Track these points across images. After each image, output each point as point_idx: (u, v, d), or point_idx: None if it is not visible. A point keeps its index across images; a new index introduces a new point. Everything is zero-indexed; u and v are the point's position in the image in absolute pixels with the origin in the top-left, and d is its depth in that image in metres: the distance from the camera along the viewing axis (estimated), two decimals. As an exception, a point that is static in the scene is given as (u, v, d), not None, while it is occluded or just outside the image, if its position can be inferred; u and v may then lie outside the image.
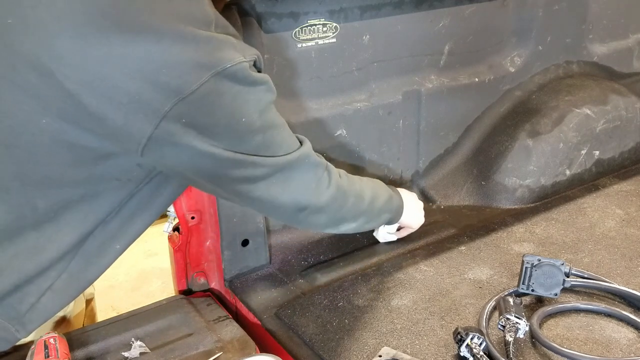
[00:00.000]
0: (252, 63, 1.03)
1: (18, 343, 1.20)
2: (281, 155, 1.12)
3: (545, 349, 1.19)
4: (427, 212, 1.83)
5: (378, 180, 1.47)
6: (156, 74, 0.93)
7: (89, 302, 1.59)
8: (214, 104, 0.98)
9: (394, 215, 1.50)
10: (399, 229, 1.66)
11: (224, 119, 1.01)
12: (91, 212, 1.13)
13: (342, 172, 1.32)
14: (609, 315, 1.30)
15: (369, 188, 1.38)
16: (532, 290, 1.33)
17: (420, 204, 1.65)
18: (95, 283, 1.55)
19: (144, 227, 1.23)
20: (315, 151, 1.62)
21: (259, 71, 1.08)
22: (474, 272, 1.48)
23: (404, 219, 1.56)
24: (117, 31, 0.91)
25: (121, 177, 1.10)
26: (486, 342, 1.16)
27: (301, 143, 1.19)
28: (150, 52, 0.93)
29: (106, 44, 0.92)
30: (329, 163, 1.27)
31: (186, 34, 0.95)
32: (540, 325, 1.26)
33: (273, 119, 1.11)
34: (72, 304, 1.36)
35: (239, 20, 1.36)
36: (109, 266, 1.23)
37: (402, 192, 1.56)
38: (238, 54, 1.00)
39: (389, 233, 1.64)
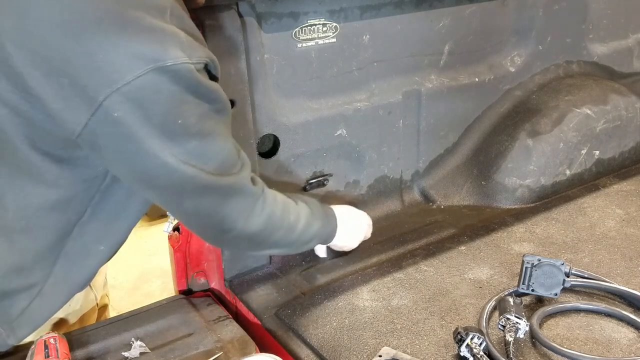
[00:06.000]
0: (200, 66, 0.97)
1: (18, 343, 1.20)
2: (216, 175, 1.04)
3: (545, 349, 1.19)
4: (427, 212, 1.84)
5: (316, 203, 1.38)
6: (92, 58, 0.89)
7: (102, 310, 1.55)
8: (149, 100, 0.92)
9: (324, 240, 1.44)
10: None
11: (157, 116, 0.94)
12: (63, 214, 1.11)
13: (281, 198, 1.24)
14: (609, 315, 1.30)
15: (304, 216, 1.29)
16: (532, 290, 1.33)
17: (361, 225, 1.54)
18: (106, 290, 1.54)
19: (128, 228, 1.21)
20: (315, 151, 1.64)
21: (213, 76, 1.03)
22: (474, 272, 1.48)
23: (337, 242, 1.48)
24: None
25: (87, 178, 1.09)
26: (486, 342, 1.16)
27: (242, 166, 1.11)
28: (87, 34, 0.89)
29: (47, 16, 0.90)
30: (267, 190, 1.20)
31: (130, 18, 0.90)
32: (540, 325, 1.26)
33: (214, 128, 1.03)
34: (72, 304, 1.35)
35: (238, 22, 1.36)
36: (96, 268, 1.22)
37: (343, 212, 1.47)
38: (182, 53, 0.93)
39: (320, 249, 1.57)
